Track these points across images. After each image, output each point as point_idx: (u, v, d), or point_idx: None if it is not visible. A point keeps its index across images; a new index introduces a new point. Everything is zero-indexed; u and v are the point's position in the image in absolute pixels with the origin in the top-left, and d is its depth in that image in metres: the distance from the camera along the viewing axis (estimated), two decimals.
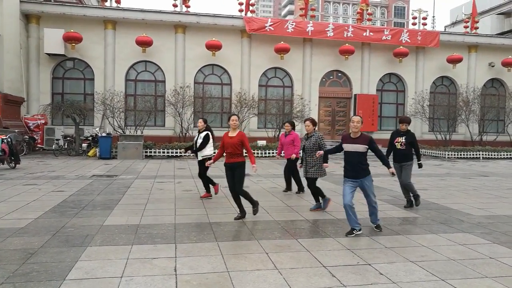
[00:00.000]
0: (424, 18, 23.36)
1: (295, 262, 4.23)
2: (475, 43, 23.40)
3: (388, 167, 5.62)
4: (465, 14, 26.48)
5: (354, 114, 22.10)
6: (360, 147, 5.27)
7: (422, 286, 3.68)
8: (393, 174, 5.66)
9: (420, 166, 7.34)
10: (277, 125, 19.74)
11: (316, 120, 21.57)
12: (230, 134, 6.08)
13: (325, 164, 6.55)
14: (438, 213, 6.82)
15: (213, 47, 19.73)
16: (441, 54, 22.87)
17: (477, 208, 7.36)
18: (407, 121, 7.20)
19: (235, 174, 6.02)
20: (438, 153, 19.75)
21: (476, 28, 24.16)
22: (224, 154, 6.23)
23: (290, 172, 8.55)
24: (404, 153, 7.08)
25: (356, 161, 5.28)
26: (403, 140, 7.05)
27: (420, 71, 23.10)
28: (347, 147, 5.36)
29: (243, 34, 20.78)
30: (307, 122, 6.91)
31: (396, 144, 7.09)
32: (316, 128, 7.04)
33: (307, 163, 6.81)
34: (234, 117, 6.11)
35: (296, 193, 8.53)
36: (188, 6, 20.44)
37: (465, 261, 4.38)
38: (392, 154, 7.18)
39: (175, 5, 20.56)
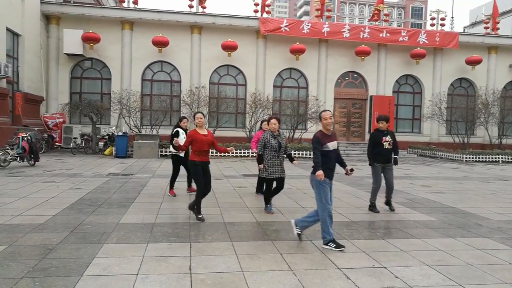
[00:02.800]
0: (443, 19, 23.00)
1: (310, 264, 4.22)
2: (495, 44, 22.92)
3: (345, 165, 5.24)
4: (485, 15, 25.94)
5: (370, 116, 21.98)
6: (336, 144, 5.05)
7: None
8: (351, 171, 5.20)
9: (396, 161, 7.04)
10: (291, 126, 19.69)
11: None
12: (202, 132, 5.99)
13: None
14: (455, 217, 6.70)
15: (229, 48, 19.82)
16: (460, 56, 22.48)
17: (496, 212, 7.21)
18: (388, 119, 7.02)
19: (208, 173, 6.14)
20: (455, 156, 19.39)
21: (497, 29, 23.65)
22: (193, 151, 6.03)
23: None
24: (390, 153, 6.91)
25: (335, 159, 5.03)
26: (390, 139, 6.86)
27: (438, 72, 22.74)
28: (331, 145, 4.90)
29: (258, 35, 20.81)
30: (275, 120, 6.70)
31: (384, 143, 6.82)
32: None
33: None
34: (200, 115, 6.09)
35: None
36: (204, 7, 20.57)
37: (484, 266, 4.29)
38: (373, 155, 6.90)
39: (191, 6, 20.70)
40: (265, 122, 8.23)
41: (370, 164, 6.95)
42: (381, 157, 6.86)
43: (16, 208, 6.39)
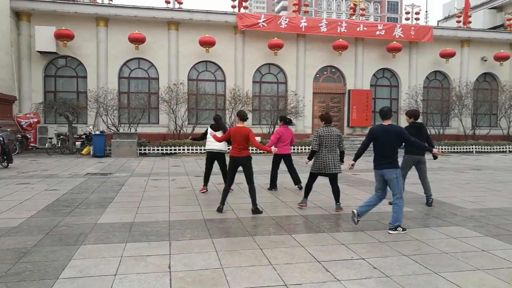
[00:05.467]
0: (417, 13, 23.41)
1: (290, 258, 4.25)
2: (467, 38, 23.50)
3: None
4: (457, 9, 26.55)
5: (348, 110, 22.28)
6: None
7: (416, 279, 3.71)
8: None
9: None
10: (271, 122, 19.73)
11: (311, 116, 21.82)
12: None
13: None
14: (431, 207, 6.87)
15: (207, 44, 19.65)
16: (434, 49, 22.95)
17: (469, 201, 7.43)
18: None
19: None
20: None
21: (469, 22, 24.26)
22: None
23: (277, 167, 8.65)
24: None
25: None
26: None
27: (414, 66, 23.17)
28: None
29: (236, 30, 20.70)
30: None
31: None
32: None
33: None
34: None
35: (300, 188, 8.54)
36: (180, 3, 20.30)
37: (458, 254, 4.42)
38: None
39: (167, 2, 20.40)
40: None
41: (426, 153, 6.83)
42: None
43: None
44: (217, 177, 10.29)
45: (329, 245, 4.69)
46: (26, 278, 3.63)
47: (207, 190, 8.18)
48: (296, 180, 8.57)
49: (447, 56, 22.72)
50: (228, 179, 6.52)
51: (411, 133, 6.82)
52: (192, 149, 17.20)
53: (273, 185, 8.56)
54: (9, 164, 11.96)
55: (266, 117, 20.11)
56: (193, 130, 19.04)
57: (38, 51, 18.77)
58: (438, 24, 33.41)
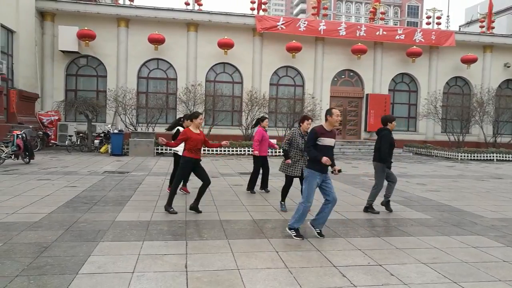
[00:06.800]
0: (438, 18, 23.08)
1: (306, 261, 4.23)
2: (490, 43, 23.02)
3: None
4: (480, 14, 26.04)
5: (366, 114, 22.07)
6: (334, 142, 5.20)
7: None
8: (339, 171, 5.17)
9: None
10: (287, 124, 19.70)
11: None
12: (196, 131, 6.25)
13: (287, 161, 6.58)
14: (450, 215, 6.74)
15: (225, 46, 19.77)
16: (455, 54, 22.56)
17: (490, 210, 7.26)
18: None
19: (202, 168, 6.35)
20: (450, 154, 19.48)
21: (492, 28, 23.77)
22: (187, 149, 6.21)
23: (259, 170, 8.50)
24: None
25: (331, 155, 5.14)
26: None
27: (434, 71, 22.82)
28: (328, 141, 5.06)
29: (255, 33, 20.78)
30: (310, 121, 6.73)
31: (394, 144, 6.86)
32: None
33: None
34: (202, 116, 6.49)
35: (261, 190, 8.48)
36: (200, 4, 20.50)
37: (478, 264, 4.32)
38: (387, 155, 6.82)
39: (187, 3, 20.64)
40: (266, 120, 8.55)
41: (388, 167, 6.72)
42: (391, 158, 6.80)
43: (10, 206, 6.36)
44: (231, 178, 10.31)
45: (345, 250, 4.66)
46: (47, 272, 3.71)
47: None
48: (266, 183, 8.54)
49: (468, 61, 22.30)
50: (181, 180, 6.67)
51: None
52: (208, 150, 17.29)
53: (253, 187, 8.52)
54: (31, 160, 12.26)
55: (282, 119, 20.07)
56: (209, 131, 19.15)
57: (61, 50, 19.22)
58: (459, 29, 32.86)
